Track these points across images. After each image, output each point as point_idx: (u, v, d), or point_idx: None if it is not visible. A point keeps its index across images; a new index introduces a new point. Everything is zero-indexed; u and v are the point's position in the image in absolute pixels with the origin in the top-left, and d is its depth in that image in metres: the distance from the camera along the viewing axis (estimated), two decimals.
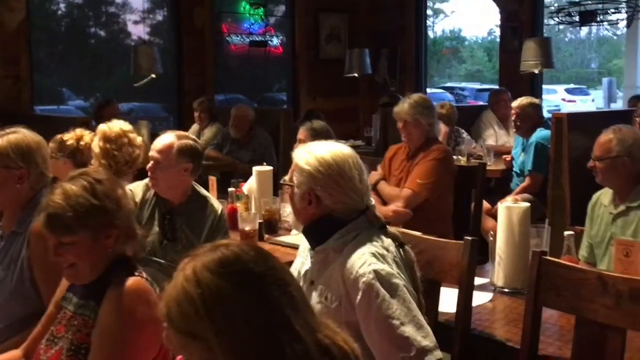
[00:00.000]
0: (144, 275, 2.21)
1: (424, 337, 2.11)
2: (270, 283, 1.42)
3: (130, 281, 2.13)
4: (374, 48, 9.21)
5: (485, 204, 5.43)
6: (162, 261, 3.19)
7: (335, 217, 2.30)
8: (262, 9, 8.87)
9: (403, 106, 4.48)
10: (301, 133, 4.54)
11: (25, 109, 7.02)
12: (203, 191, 3.47)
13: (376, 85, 9.46)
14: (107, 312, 2.09)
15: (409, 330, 2.10)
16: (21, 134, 2.88)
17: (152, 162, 3.30)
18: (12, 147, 2.83)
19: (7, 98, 6.93)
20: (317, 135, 4.45)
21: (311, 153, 2.32)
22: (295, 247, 2.55)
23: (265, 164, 4.53)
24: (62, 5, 8.38)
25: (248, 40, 8.80)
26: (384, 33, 9.47)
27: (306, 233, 2.40)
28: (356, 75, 8.70)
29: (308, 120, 5.03)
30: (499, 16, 8.34)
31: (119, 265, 2.19)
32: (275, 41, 9.25)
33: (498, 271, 3.00)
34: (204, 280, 1.37)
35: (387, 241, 2.29)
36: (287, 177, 2.40)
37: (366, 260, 2.18)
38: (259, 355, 1.36)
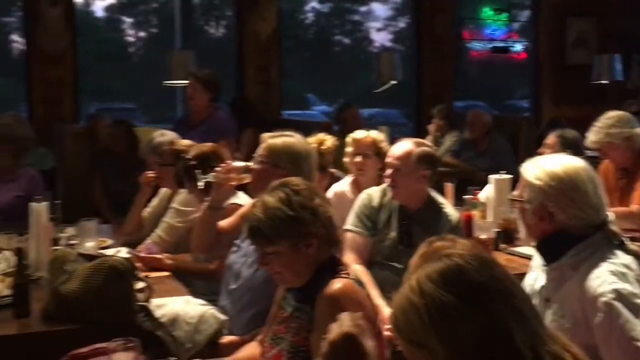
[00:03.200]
0: (351, 275, 2.27)
1: None
2: (493, 294, 1.41)
3: (339, 284, 2.19)
4: (625, 53, 8.69)
5: None
6: (398, 265, 3.21)
7: (570, 233, 2.21)
8: (505, 14, 8.70)
9: (592, 137, 4.19)
10: (550, 139, 4.41)
11: (273, 113, 7.44)
12: (439, 198, 3.47)
13: (627, 93, 8.91)
14: (324, 318, 2.12)
15: None
16: (295, 139, 3.07)
17: (391, 169, 3.34)
18: (286, 148, 3.02)
19: (258, 103, 7.39)
20: (566, 145, 4.28)
21: (541, 167, 2.25)
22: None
23: (503, 172, 4.42)
24: (310, 15, 8.78)
25: (490, 46, 8.68)
26: (637, 37, 8.89)
27: (539, 249, 2.34)
28: (605, 82, 8.26)
29: (551, 128, 4.86)
30: None
31: (326, 269, 2.26)
32: (518, 47, 9.03)
33: None
34: (428, 291, 1.41)
35: (628, 258, 2.17)
36: (516, 192, 2.36)
37: (606, 279, 2.08)
38: None
